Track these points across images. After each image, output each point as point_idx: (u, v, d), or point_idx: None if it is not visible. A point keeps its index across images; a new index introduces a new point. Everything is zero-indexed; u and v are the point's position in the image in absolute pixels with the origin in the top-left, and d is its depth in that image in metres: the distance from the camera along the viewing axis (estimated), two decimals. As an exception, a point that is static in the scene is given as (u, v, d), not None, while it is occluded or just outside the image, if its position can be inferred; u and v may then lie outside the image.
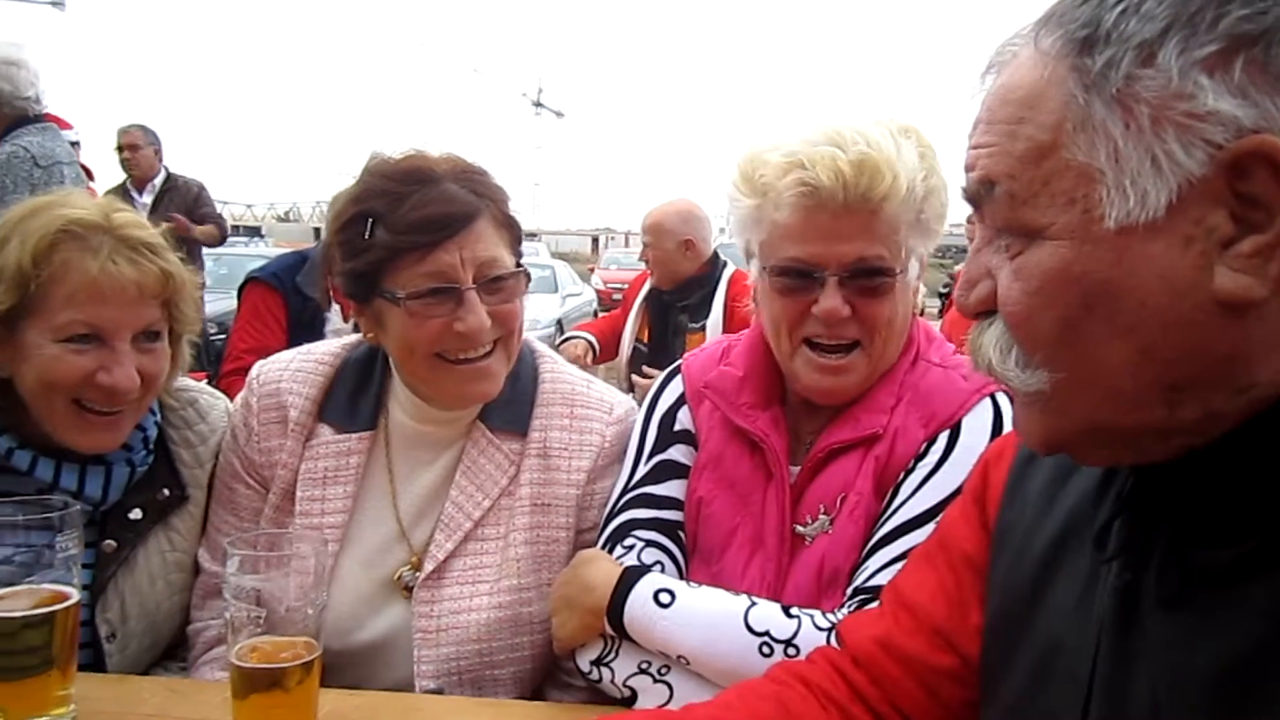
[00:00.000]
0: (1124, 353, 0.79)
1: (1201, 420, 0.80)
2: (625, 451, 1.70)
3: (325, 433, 1.71)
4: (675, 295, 4.49)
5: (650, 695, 1.40)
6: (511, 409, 1.70)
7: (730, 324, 4.28)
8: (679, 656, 1.38)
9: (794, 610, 1.36)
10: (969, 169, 0.89)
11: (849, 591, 1.40)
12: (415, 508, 1.69)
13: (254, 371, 1.77)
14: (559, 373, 1.78)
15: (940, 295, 30.05)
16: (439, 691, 1.57)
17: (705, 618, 1.37)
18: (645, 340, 4.62)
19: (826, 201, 1.40)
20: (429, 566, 1.62)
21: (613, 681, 1.43)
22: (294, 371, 1.75)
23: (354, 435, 1.70)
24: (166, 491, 1.71)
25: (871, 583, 1.37)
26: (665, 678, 1.39)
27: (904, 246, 1.46)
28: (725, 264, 4.54)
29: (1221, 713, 0.78)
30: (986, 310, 0.90)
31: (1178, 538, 0.85)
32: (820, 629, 1.33)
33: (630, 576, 1.43)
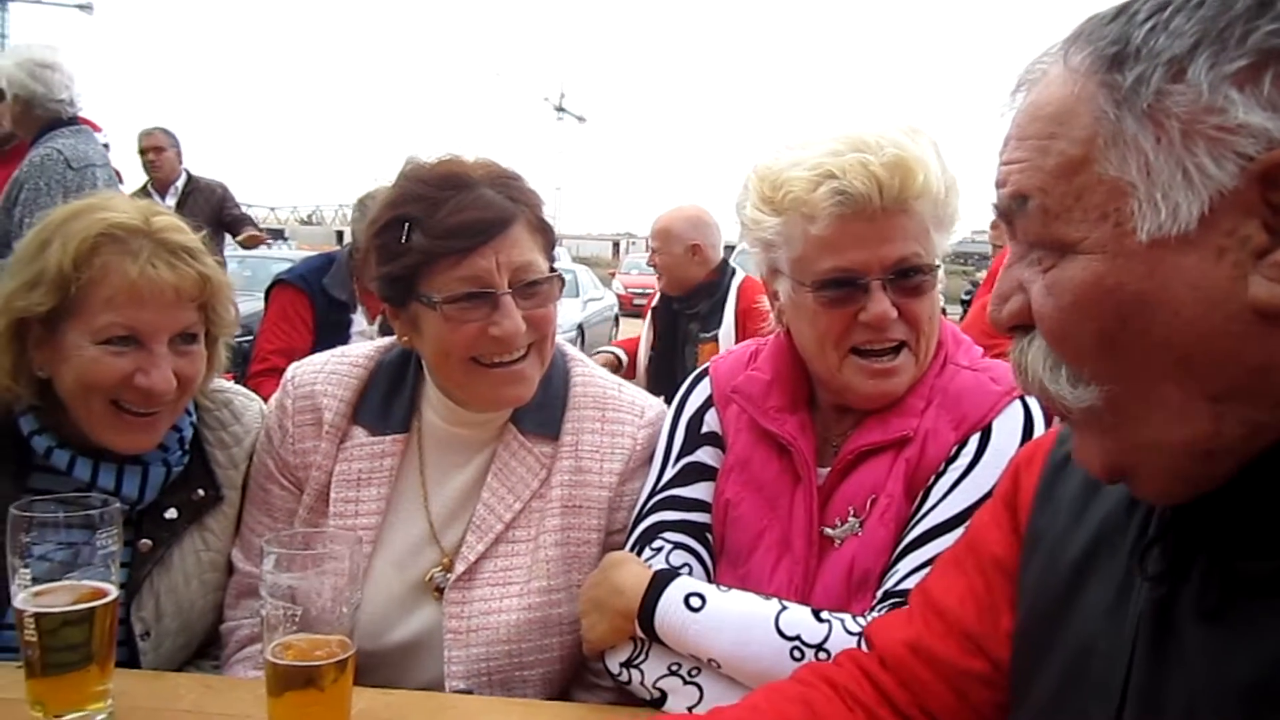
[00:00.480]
0: (1164, 364, 0.80)
1: (1246, 437, 0.80)
2: (653, 455, 1.71)
3: (359, 435, 1.72)
4: (684, 303, 4.50)
5: (680, 697, 1.40)
6: (543, 412, 1.71)
7: (743, 333, 4.26)
8: (710, 660, 1.38)
9: (824, 614, 1.37)
10: (1000, 185, 0.90)
11: (879, 595, 1.40)
12: (447, 509, 1.71)
13: (289, 373, 1.79)
14: (590, 376, 1.79)
15: (963, 303, 29.87)
16: (468, 692, 1.58)
17: (736, 621, 1.37)
18: (654, 348, 4.63)
19: (863, 208, 1.41)
20: (460, 568, 1.64)
21: (642, 683, 1.44)
22: (329, 374, 1.77)
23: (388, 437, 1.72)
24: (201, 492, 1.73)
25: (902, 586, 1.37)
26: (695, 679, 1.40)
27: (935, 241, 1.48)
28: (734, 271, 4.53)
29: (1260, 717, 0.78)
30: (1019, 324, 0.91)
31: (1219, 553, 0.85)
32: (851, 633, 1.33)
33: (661, 580, 1.44)
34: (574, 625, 1.61)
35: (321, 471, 1.71)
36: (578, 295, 17.41)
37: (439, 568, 1.67)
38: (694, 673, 1.40)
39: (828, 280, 1.46)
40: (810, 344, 1.53)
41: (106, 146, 4.86)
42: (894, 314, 1.45)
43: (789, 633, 1.34)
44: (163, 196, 6.64)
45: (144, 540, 1.68)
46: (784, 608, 1.38)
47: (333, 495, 1.70)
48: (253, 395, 1.90)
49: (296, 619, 1.25)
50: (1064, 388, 0.87)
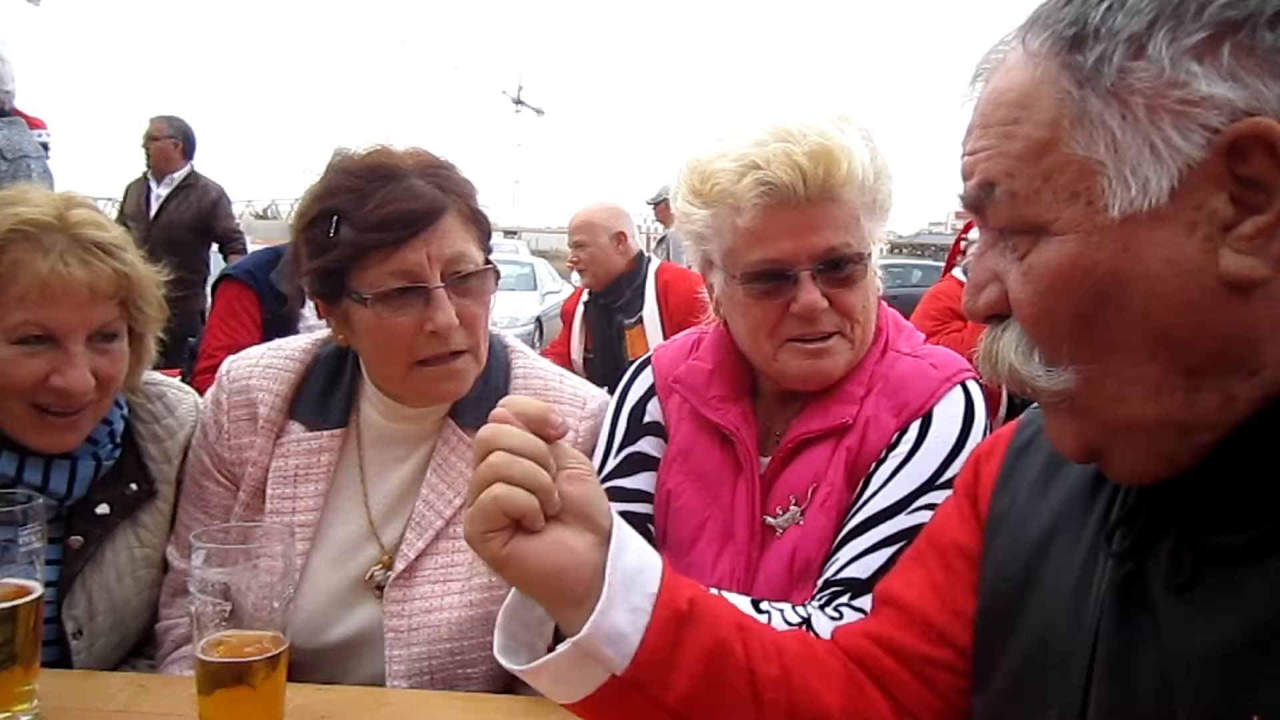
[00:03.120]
0: (1139, 339, 0.81)
1: (1219, 408, 0.81)
2: (597, 445, 1.69)
3: (296, 430, 1.69)
4: (609, 296, 4.60)
5: None
6: (483, 405, 1.67)
7: (666, 312, 4.41)
8: None
9: (764, 604, 1.36)
10: (966, 175, 0.89)
11: (820, 583, 1.39)
12: (386, 506, 1.68)
13: (224, 367, 1.76)
14: (531, 367, 1.77)
15: (918, 293, 30.35)
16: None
17: None
18: (591, 349, 4.73)
19: (788, 198, 1.40)
20: (400, 565, 1.61)
21: None
22: (264, 368, 1.73)
23: (325, 432, 1.69)
24: (134, 487, 1.70)
25: (842, 575, 1.37)
26: None
27: (865, 229, 1.47)
28: (649, 259, 4.71)
29: (1237, 684, 0.78)
30: (995, 314, 0.91)
31: (1189, 528, 0.85)
32: (790, 623, 1.32)
33: None
34: None
35: (257, 467, 1.68)
36: (535, 288, 17.35)
37: (379, 565, 1.65)
38: None
39: (757, 272, 1.45)
40: (744, 336, 1.52)
41: (46, 146, 4.75)
42: (824, 304, 1.44)
43: None
44: (158, 184, 6.54)
45: (74, 537, 1.64)
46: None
47: (269, 491, 1.66)
48: (187, 388, 1.86)
49: (227, 615, 1.22)
50: (1038, 372, 0.87)
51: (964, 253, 5.14)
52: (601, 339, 4.62)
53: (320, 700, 1.41)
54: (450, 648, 1.58)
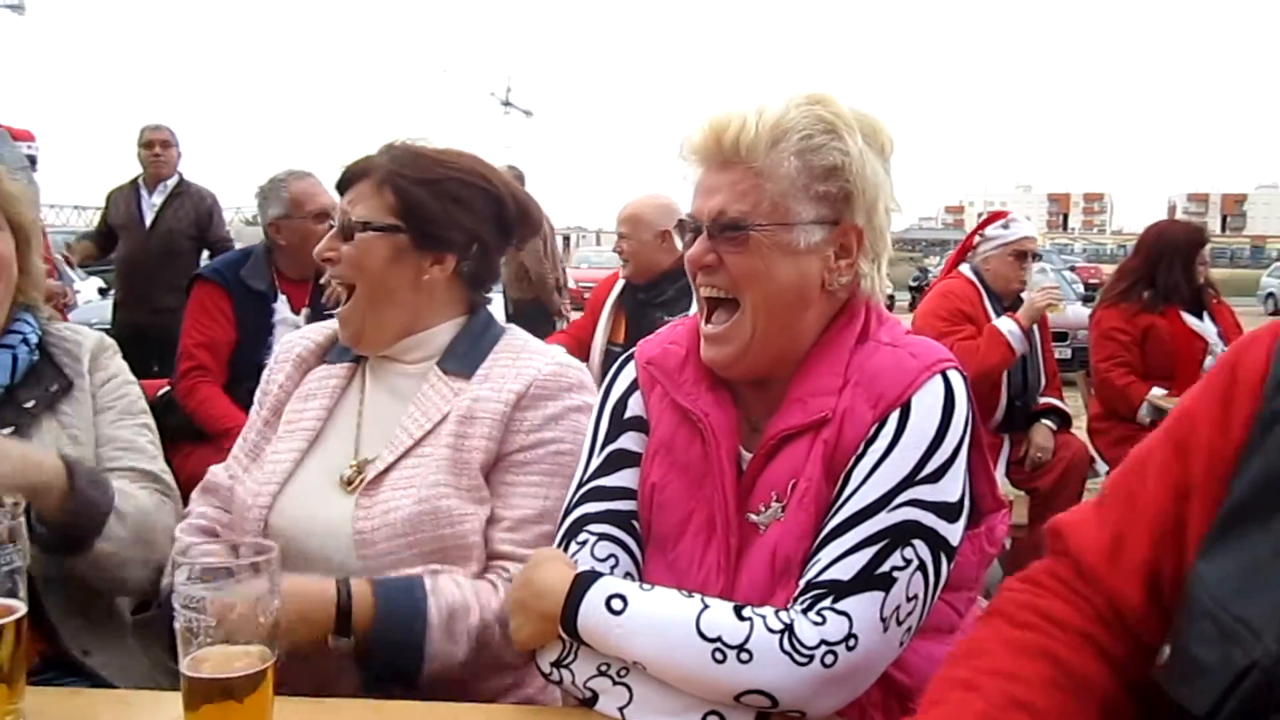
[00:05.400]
0: None
1: None
2: (561, 392, 1.82)
3: (321, 368, 1.99)
4: (650, 292, 4.46)
5: (611, 697, 1.39)
6: (465, 359, 1.90)
7: None
8: (633, 663, 1.37)
9: (746, 611, 1.35)
10: None
11: (802, 584, 1.38)
12: (374, 428, 1.88)
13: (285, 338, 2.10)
14: (515, 335, 1.99)
15: (911, 289, 30.24)
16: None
17: (657, 625, 1.35)
18: (620, 342, 4.55)
19: (704, 159, 1.52)
20: (370, 474, 1.80)
21: (574, 683, 1.42)
22: (311, 329, 2.08)
23: (339, 365, 1.97)
24: (55, 386, 1.94)
25: (824, 577, 1.35)
26: (624, 680, 1.38)
27: (774, 202, 1.46)
28: None
29: None
30: None
31: None
32: (773, 631, 1.32)
33: (582, 583, 1.41)
34: (463, 518, 1.72)
35: (283, 391, 1.97)
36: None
37: (353, 468, 1.84)
38: (622, 673, 1.38)
39: (682, 224, 1.57)
40: None
41: (34, 160, 4.74)
42: (709, 258, 1.50)
43: (709, 635, 1.32)
44: (150, 194, 6.56)
45: (7, 427, 1.82)
46: (705, 607, 1.35)
47: (286, 409, 1.94)
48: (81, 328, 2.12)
49: (213, 631, 1.22)
50: None
51: (976, 248, 4.97)
52: (634, 334, 4.39)
53: (307, 713, 1.40)
54: (407, 542, 1.73)
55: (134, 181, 6.65)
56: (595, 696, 1.40)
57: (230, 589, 1.23)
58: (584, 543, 1.53)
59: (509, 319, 9.45)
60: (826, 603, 1.34)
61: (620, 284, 4.63)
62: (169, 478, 2.00)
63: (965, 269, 4.98)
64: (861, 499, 1.39)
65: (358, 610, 1.62)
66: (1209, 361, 4.80)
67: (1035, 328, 5.04)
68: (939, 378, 1.45)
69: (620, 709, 1.37)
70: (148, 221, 6.52)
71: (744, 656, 1.30)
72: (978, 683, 1.16)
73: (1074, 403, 5.64)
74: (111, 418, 1.99)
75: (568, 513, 1.59)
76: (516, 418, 1.80)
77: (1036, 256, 5.02)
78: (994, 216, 5.04)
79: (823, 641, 1.30)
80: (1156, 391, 4.83)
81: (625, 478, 1.59)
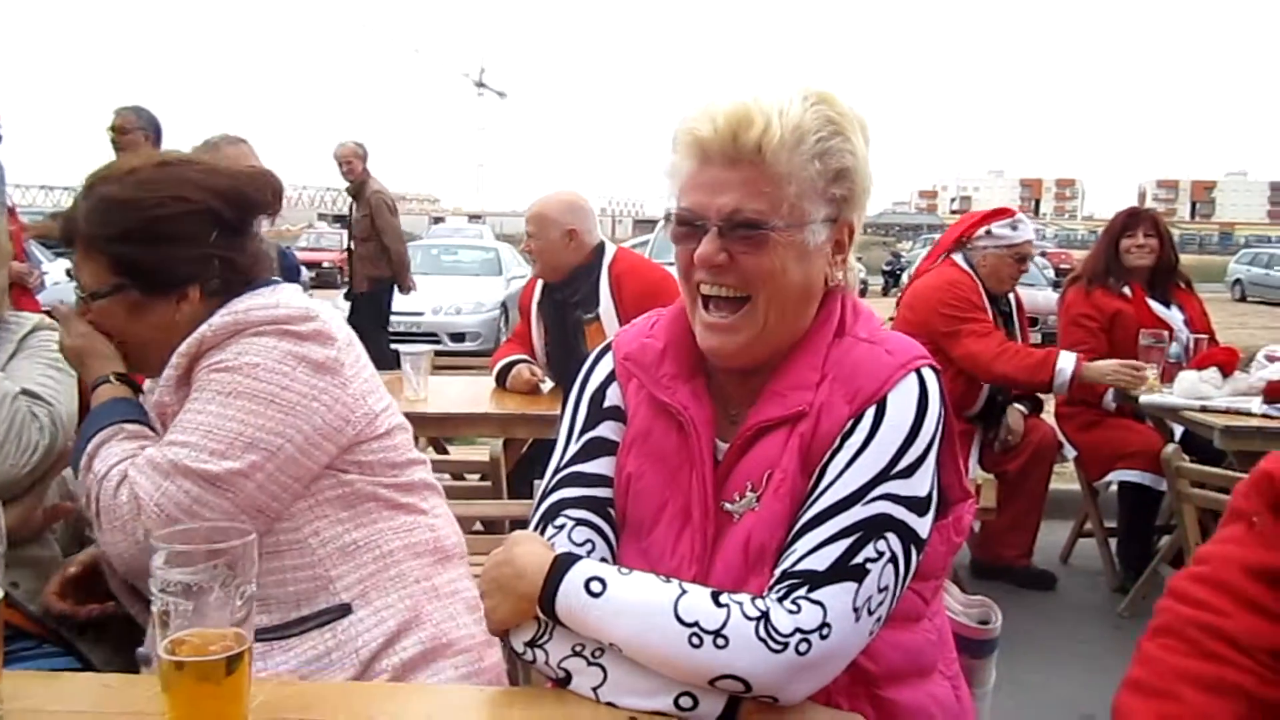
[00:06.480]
0: None
1: None
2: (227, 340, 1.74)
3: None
4: (565, 290, 4.42)
5: (585, 677, 1.41)
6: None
7: (621, 306, 4.26)
8: (610, 644, 1.39)
9: (723, 598, 1.37)
10: None
11: (778, 574, 1.40)
12: None
13: None
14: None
15: (884, 274, 30.33)
16: None
17: (635, 608, 1.37)
18: (548, 343, 4.55)
19: (713, 154, 1.46)
20: None
21: (547, 663, 1.44)
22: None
23: None
24: None
25: (800, 567, 1.38)
26: (599, 660, 1.40)
27: (792, 204, 1.46)
28: (605, 247, 4.51)
29: None
30: None
31: None
32: (749, 618, 1.34)
33: (562, 564, 1.43)
34: None
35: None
36: (500, 273, 17.24)
37: None
38: (597, 654, 1.41)
39: (677, 217, 1.53)
40: (676, 275, 1.60)
41: None
42: (722, 258, 1.48)
43: (687, 619, 1.34)
44: None
45: None
46: (683, 592, 1.37)
47: None
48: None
49: (189, 614, 1.23)
50: None
51: (974, 241, 4.89)
52: (557, 334, 4.47)
53: (285, 695, 1.41)
54: None
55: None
56: (569, 676, 1.42)
57: (206, 573, 1.23)
58: (561, 527, 1.55)
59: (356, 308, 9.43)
60: (802, 592, 1.36)
61: (540, 285, 4.59)
62: (57, 406, 2.06)
63: (959, 259, 4.94)
64: (836, 492, 1.41)
65: None
66: (1174, 349, 4.87)
67: (1015, 314, 5.10)
68: (914, 375, 1.48)
69: (594, 689, 1.40)
70: None
71: (720, 642, 1.33)
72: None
73: (1043, 387, 5.71)
74: (21, 359, 2.10)
75: (545, 496, 1.61)
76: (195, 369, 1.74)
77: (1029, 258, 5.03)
78: (999, 213, 4.98)
79: (797, 630, 1.33)
80: (1122, 378, 4.89)
81: (602, 465, 1.61)
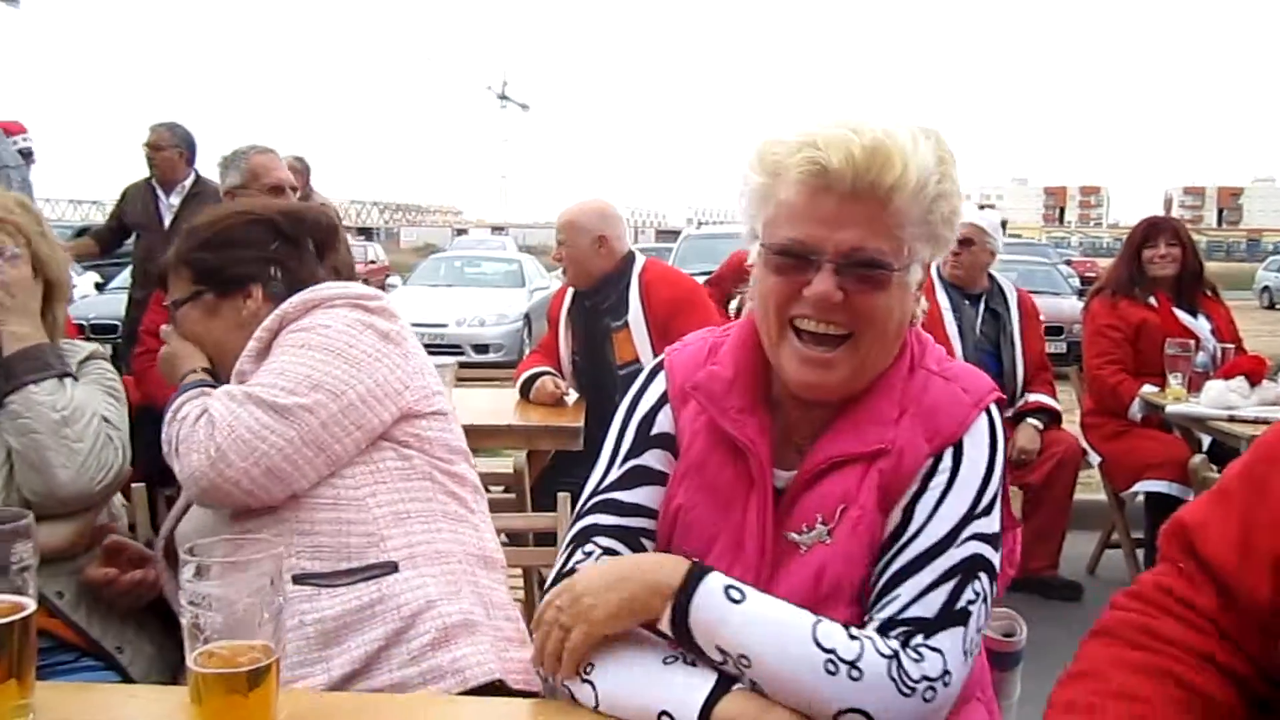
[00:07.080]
0: None
1: None
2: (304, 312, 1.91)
3: None
4: (595, 298, 4.43)
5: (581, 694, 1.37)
6: None
7: (650, 313, 4.27)
8: (741, 657, 1.33)
9: (854, 632, 1.33)
10: None
11: (880, 618, 1.36)
12: None
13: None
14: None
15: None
16: None
17: (776, 622, 1.33)
18: (577, 351, 4.54)
19: (834, 184, 1.37)
20: None
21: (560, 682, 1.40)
22: None
23: None
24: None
25: (908, 614, 1.35)
26: (590, 677, 1.37)
27: (908, 245, 1.42)
28: (636, 257, 4.51)
29: None
30: None
31: None
32: (884, 656, 1.30)
33: (698, 569, 1.38)
34: None
35: None
36: (524, 284, 17.27)
37: None
38: (588, 670, 1.37)
39: (783, 248, 1.43)
40: (759, 307, 1.50)
41: (27, 154, 4.69)
42: (838, 297, 1.40)
43: (825, 644, 1.30)
44: (168, 195, 6.35)
45: None
46: (818, 620, 1.34)
47: None
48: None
49: (219, 626, 1.25)
50: None
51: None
52: (587, 342, 4.46)
53: (309, 706, 1.43)
54: None
55: (148, 180, 6.53)
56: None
57: (236, 586, 1.25)
58: (589, 554, 1.51)
59: None
60: (919, 639, 1.33)
61: (570, 294, 4.60)
62: (123, 431, 2.15)
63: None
64: (931, 535, 1.39)
65: None
66: (1201, 358, 4.83)
67: (1019, 320, 5.09)
68: (984, 415, 1.47)
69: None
70: (166, 222, 6.42)
71: (854, 674, 1.29)
72: (1101, 707, 1.17)
73: (1067, 396, 5.67)
74: (82, 385, 2.13)
75: (578, 518, 1.56)
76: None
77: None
78: None
79: (924, 677, 1.30)
80: (1148, 388, 4.85)
81: (641, 495, 1.56)
